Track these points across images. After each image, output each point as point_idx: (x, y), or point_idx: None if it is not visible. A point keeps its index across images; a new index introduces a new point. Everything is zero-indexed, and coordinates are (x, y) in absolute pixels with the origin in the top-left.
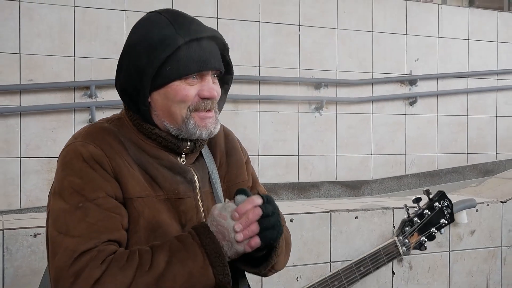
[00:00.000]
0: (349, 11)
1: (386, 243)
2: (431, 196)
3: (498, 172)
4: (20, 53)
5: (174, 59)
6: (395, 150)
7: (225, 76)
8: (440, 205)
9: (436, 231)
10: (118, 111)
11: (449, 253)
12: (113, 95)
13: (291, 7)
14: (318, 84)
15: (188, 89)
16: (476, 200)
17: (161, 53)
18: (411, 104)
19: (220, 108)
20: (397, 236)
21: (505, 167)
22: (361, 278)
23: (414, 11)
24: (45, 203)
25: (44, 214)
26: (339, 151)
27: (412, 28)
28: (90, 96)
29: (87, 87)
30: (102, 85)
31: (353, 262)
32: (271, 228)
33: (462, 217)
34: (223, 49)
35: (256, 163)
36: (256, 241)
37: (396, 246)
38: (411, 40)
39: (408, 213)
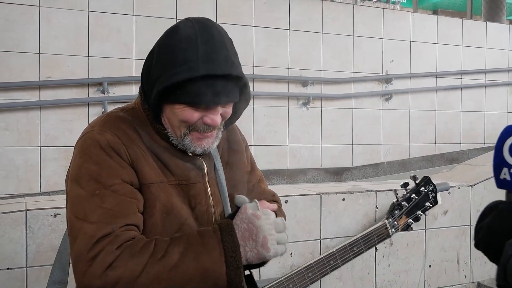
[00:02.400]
0: (332, 18)
1: (377, 225)
2: (417, 181)
3: (463, 160)
4: (39, 53)
5: (187, 85)
6: (373, 140)
7: (245, 92)
8: (425, 190)
9: (421, 213)
10: None
11: (425, 231)
12: (123, 91)
13: (282, 14)
14: (305, 82)
15: (192, 113)
16: (449, 184)
17: (178, 75)
18: (387, 100)
19: (238, 116)
20: (387, 219)
21: (468, 156)
22: (354, 257)
23: (389, 18)
24: (62, 187)
25: (63, 197)
26: (323, 141)
27: (388, 33)
28: (103, 92)
29: (100, 84)
30: (113, 82)
31: (348, 243)
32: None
33: (437, 198)
34: (242, 85)
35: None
36: None
37: (387, 228)
38: (387, 44)
39: (397, 197)
